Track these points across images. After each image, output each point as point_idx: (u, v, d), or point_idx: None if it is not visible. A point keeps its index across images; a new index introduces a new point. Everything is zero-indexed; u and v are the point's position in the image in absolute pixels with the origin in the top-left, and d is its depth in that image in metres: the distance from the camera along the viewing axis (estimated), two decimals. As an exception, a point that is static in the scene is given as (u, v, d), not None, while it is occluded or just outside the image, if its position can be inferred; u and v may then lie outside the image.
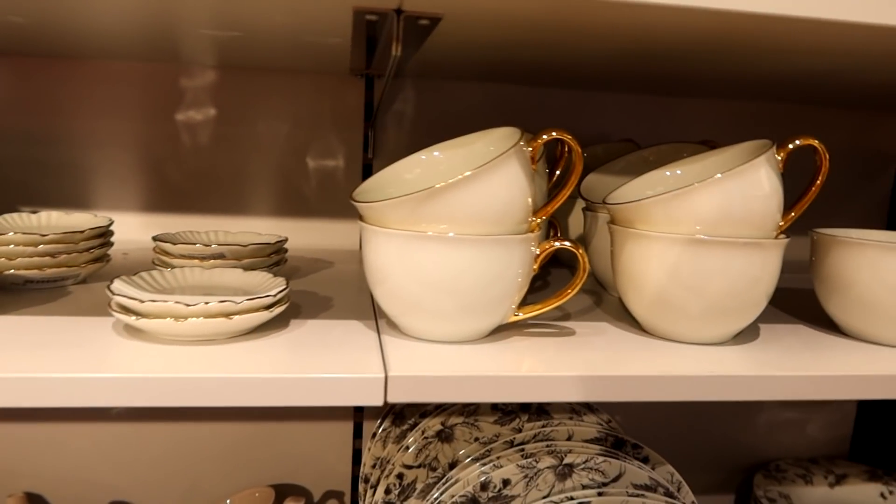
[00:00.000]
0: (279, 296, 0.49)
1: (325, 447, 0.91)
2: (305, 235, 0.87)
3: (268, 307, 0.48)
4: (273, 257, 0.63)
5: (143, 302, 0.45)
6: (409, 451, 0.72)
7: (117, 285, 0.49)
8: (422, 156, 0.54)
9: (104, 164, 0.83)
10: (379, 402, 0.42)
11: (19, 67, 0.80)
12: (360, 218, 0.50)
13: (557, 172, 0.66)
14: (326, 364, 0.43)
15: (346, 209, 0.88)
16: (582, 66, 0.71)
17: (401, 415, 0.80)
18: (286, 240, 0.66)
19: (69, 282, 0.60)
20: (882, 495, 0.94)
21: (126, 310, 0.46)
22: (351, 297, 0.61)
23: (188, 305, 0.44)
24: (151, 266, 0.66)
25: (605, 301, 0.65)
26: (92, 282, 0.62)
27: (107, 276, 0.64)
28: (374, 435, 0.80)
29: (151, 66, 0.82)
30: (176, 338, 0.46)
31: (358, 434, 0.91)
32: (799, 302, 0.69)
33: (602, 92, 0.91)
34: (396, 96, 0.86)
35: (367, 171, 0.87)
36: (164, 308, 0.44)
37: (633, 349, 0.50)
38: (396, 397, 0.41)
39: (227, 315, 0.46)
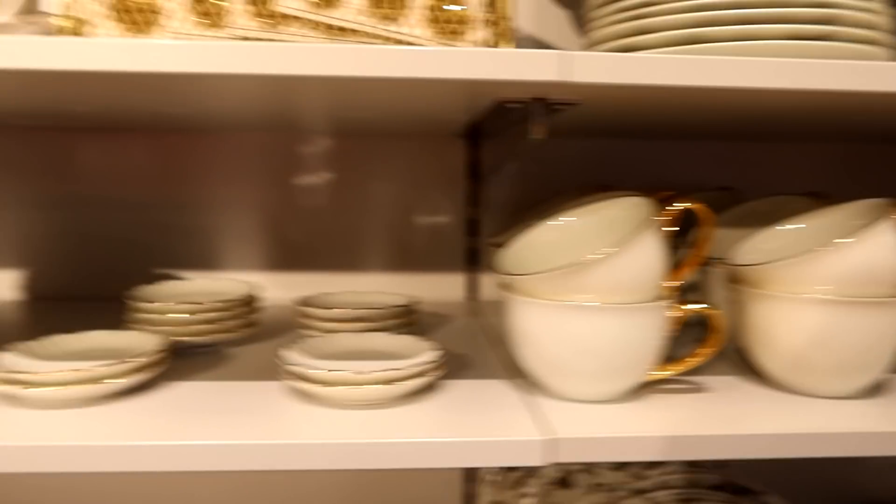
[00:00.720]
0: (436, 360, 0.53)
1: (435, 492, 0.94)
2: (413, 288, 0.92)
3: (428, 372, 0.52)
4: (407, 318, 0.68)
5: (321, 371, 0.49)
6: (530, 497, 0.75)
7: (290, 355, 0.54)
8: (556, 222, 0.58)
9: (228, 227, 0.90)
10: (540, 462, 0.45)
11: (152, 142, 0.89)
12: (504, 287, 0.54)
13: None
14: (492, 426, 0.47)
15: (451, 262, 0.92)
16: (680, 125, 0.74)
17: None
18: (419, 301, 0.70)
19: (227, 345, 0.66)
20: None
21: (302, 377, 0.51)
22: (481, 353, 0.65)
23: (361, 374, 0.49)
24: (293, 327, 0.71)
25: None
26: (243, 344, 0.68)
27: (254, 336, 0.70)
28: (488, 480, 0.84)
29: (270, 135, 0.89)
30: (347, 403, 0.51)
31: (470, 478, 0.94)
32: None
33: (692, 140, 0.94)
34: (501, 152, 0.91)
35: (473, 226, 0.92)
36: (341, 377, 0.49)
37: (773, 404, 0.52)
38: (566, 458, 0.45)
39: (392, 381, 0.50)
